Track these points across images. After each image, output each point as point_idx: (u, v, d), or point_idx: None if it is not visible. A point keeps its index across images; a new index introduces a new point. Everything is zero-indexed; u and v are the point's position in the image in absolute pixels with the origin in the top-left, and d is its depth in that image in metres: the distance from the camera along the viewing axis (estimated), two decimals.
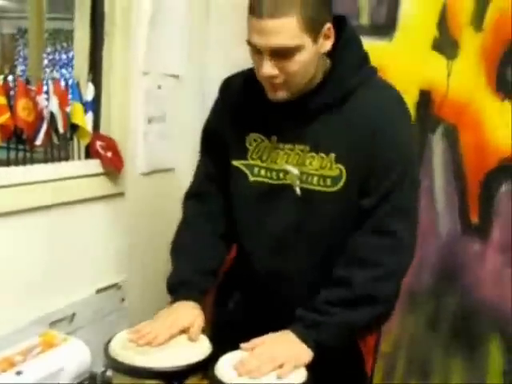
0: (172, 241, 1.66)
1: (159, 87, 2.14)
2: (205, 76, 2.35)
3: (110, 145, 1.93)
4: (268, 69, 1.38)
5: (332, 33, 1.42)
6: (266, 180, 1.53)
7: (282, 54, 1.36)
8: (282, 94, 1.43)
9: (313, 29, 1.36)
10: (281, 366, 1.31)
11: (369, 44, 2.13)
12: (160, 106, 2.16)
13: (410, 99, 2.10)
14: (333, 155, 1.45)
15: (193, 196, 1.69)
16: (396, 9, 2.16)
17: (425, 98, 2.15)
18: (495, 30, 2.05)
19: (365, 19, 2.20)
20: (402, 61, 2.15)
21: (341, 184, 1.45)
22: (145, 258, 2.15)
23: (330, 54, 1.47)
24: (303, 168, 1.48)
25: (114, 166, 1.94)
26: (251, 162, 1.54)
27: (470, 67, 2.08)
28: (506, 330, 2.10)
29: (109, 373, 1.38)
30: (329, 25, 1.40)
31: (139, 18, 2.01)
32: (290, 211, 1.51)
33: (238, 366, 1.31)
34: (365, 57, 1.52)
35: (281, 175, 1.51)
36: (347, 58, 1.48)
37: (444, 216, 2.17)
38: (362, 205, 1.46)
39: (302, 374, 1.32)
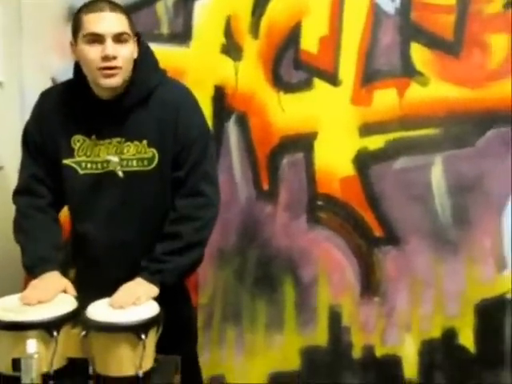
0: (14, 230, 1.86)
1: None
2: (23, 83, 2.52)
3: None
4: (111, 50, 1.68)
5: (136, 45, 1.78)
6: (92, 171, 1.81)
7: (120, 40, 1.69)
8: (116, 80, 1.72)
9: (132, 32, 1.73)
10: (138, 299, 1.64)
11: (169, 51, 2.52)
12: None
13: (207, 95, 2.48)
14: (145, 141, 1.79)
15: (21, 192, 1.88)
16: (190, 20, 2.45)
17: (219, 93, 2.49)
18: (268, 37, 2.46)
19: (164, 29, 2.47)
20: (198, 64, 2.48)
21: (155, 163, 1.80)
22: None
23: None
24: (122, 156, 1.79)
25: None
26: (78, 158, 1.81)
27: (252, 67, 2.47)
28: (295, 271, 2.57)
29: None
30: (136, 38, 1.77)
31: None
32: (117, 192, 1.81)
33: (110, 304, 1.61)
34: (157, 63, 1.87)
35: (104, 165, 1.80)
36: (145, 65, 1.82)
37: (242, 186, 2.54)
38: (176, 176, 1.82)
39: (155, 306, 1.67)
